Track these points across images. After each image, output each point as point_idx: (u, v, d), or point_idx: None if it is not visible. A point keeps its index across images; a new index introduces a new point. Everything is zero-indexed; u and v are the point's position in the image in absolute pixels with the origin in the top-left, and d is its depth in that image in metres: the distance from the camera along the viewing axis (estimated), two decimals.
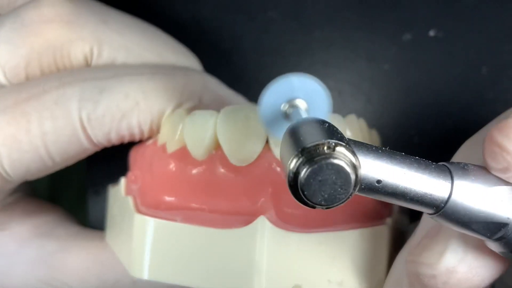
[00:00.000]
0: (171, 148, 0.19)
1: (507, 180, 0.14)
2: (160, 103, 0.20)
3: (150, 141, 0.20)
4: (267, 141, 0.18)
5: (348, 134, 0.18)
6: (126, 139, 0.20)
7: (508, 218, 0.13)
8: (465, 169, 0.14)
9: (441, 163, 0.14)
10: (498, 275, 0.16)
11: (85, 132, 0.19)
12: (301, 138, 0.12)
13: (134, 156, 0.21)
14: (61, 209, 0.25)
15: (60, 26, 0.20)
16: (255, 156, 0.17)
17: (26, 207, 0.23)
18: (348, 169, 0.11)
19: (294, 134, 0.12)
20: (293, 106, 0.15)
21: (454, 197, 0.13)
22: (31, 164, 0.19)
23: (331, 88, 0.27)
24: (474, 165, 0.14)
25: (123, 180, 0.21)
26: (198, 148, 0.18)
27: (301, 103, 0.15)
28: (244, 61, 0.27)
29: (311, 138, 0.12)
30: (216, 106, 0.21)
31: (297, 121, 0.13)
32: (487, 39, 0.26)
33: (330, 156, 0.11)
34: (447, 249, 0.15)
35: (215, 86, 0.22)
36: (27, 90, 0.19)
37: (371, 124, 0.27)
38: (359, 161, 0.12)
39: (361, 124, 0.20)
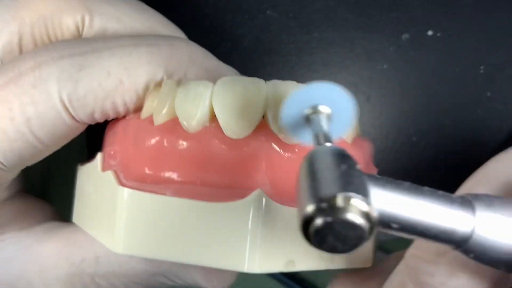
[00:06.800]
0: (159, 120, 0.18)
1: None
2: (144, 79, 0.19)
3: (131, 115, 0.19)
4: (264, 115, 0.17)
5: None
6: (111, 117, 0.19)
7: None
8: (488, 202, 0.13)
9: (463, 194, 0.13)
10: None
11: (68, 113, 0.18)
12: (318, 183, 0.12)
13: (113, 131, 0.20)
14: (49, 205, 0.24)
15: None
16: (252, 129, 0.17)
17: (18, 205, 0.23)
18: (363, 222, 0.11)
19: (312, 171, 0.12)
20: (316, 112, 0.15)
21: (477, 233, 0.13)
22: (22, 151, 0.19)
23: None
24: (497, 198, 0.13)
25: (99, 156, 0.20)
26: (191, 120, 0.17)
27: (325, 110, 0.15)
28: (244, 61, 0.27)
29: (327, 185, 0.11)
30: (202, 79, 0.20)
31: (317, 150, 0.13)
32: (484, 38, 0.26)
33: (344, 210, 0.11)
34: (450, 251, 0.14)
35: (203, 58, 0.21)
36: (4, 74, 0.18)
37: (370, 123, 0.27)
38: (375, 211, 0.11)
39: None
